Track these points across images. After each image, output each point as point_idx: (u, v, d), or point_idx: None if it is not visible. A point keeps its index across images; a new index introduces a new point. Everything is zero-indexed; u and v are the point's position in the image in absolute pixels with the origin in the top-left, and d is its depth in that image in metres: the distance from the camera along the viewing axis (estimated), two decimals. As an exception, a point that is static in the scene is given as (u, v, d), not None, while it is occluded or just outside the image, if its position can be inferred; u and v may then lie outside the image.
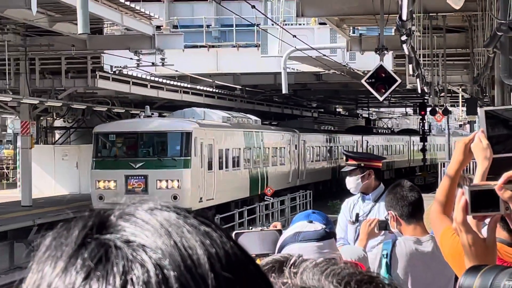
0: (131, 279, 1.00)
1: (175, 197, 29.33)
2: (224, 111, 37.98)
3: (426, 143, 53.77)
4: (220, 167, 33.33)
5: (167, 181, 30.05)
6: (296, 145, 42.79)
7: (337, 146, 53.40)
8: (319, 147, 48.25)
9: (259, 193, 38.54)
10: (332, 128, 60.14)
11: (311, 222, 4.78)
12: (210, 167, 32.02)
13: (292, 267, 1.65)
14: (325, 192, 52.73)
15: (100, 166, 31.09)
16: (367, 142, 63.51)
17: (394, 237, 6.05)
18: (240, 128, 35.39)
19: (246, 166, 34.07)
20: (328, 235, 4.71)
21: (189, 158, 30.89)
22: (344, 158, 8.22)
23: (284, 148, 41.38)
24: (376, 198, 8.27)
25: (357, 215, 8.33)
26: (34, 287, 1.06)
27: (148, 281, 1.01)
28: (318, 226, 4.64)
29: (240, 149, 33.81)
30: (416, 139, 76.32)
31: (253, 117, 38.50)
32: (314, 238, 4.33)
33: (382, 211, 7.53)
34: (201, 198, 30.74)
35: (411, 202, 6.15)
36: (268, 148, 38.27)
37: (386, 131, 77.13)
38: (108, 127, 35.38)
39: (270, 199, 42.88)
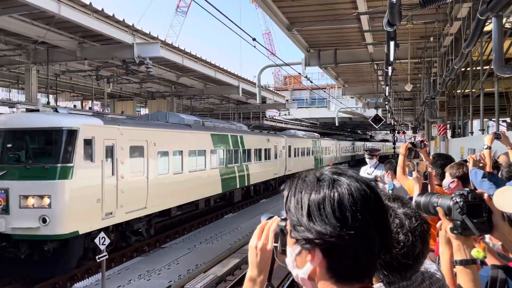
0: (339, 193, 0.96)
1: (44, 220, 8.80)
2: (197, 116, 20.30)
3: (395, 145, 49.78)
4: (164, 171, 13.00)
5: (34, 197, 8.83)
6: (283, 146, 26.16)
7: (320, 147, 35.43)
8: (304, 148, 31.46)
9: (238, 186, 19.69)
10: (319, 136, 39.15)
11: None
12: (140, 173, 11.62)
13: None
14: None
15: None
16: (339, 145, 44.01)
17: (391, 183, 5.83)
18: (206, 131, 16.92)
19: (215, 165, 17.24)
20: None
21: (71, 165, 9.14)
22: (369, 152, 7.70)
23: (271, 148, 23.81)
24: (375, 166, 7.30)
25: (368, 174, 7.41)
26: (296, 200, 1.00)
27: (342, 193, 0.96)
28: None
29: (205, 150, 16.30)
30: (367, 143, 58.34)
31: (239, 124, 23.24)
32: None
33: (379, 171, 6.84)
34: (110, 213, 10.23)
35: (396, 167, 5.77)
36: (250, 149, 21.04)
37: (351, 138, 55.63)
38: None
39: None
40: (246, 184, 20.46)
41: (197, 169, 15.42)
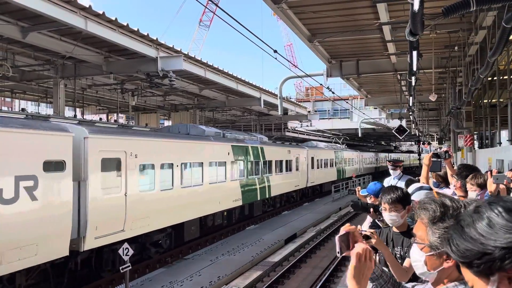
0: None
1: None
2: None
3: (420, 156, 48.65)
4: None
5: None
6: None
7: (261, 159, 18.94)
8: (217, 161, 15.10)
9: None
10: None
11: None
12: None
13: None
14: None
15: None
16: (314, 156, 27.98)
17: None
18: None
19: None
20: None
21: None
22: (392, 163, 7.34)
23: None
24: (399, 178, 7.14)
25: (391, 185, 7.03)
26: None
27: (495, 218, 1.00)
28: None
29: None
30: (364, 154, 45.89)
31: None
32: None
33: (403, 182, 6.59)
34: None
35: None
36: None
37: (338, 148, 37.45)
38: None
39: (353, 179, 34.18)
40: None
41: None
